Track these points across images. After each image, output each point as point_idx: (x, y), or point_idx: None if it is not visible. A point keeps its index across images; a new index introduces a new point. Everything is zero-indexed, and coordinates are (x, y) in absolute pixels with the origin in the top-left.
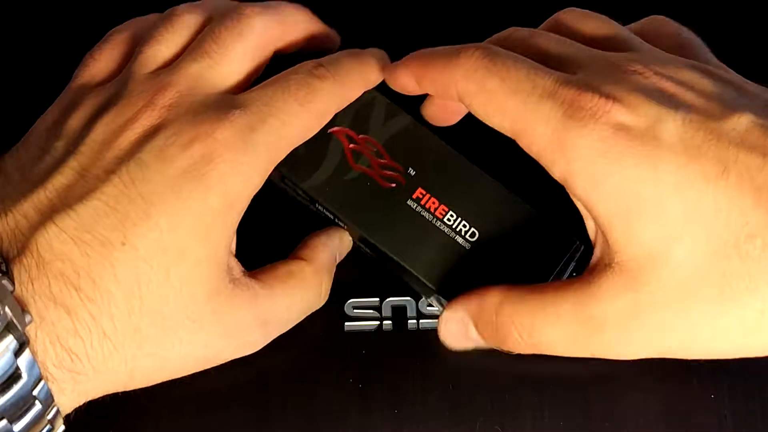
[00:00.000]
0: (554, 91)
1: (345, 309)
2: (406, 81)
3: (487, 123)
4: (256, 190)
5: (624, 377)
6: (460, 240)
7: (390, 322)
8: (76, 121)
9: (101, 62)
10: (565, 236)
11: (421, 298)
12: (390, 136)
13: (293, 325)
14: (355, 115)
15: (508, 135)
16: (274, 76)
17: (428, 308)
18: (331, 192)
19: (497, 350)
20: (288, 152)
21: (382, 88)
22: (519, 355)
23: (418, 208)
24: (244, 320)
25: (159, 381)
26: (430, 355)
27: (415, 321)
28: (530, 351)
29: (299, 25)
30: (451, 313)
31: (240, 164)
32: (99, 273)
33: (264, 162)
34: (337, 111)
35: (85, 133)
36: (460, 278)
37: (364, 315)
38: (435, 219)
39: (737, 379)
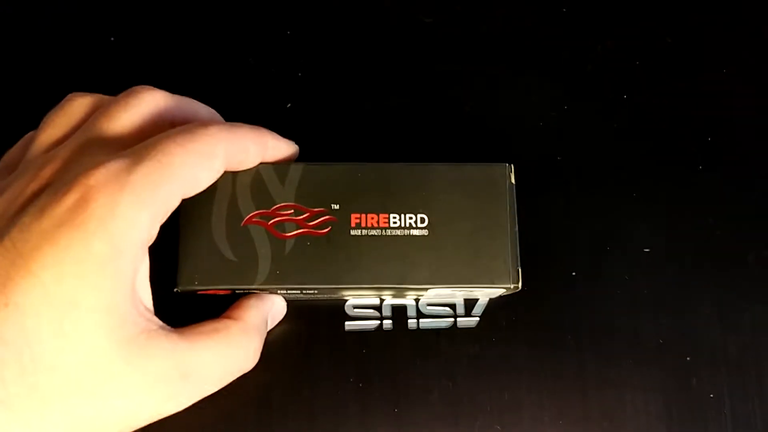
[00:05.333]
0: None
1: (345, 309)
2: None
3: None
4: (149, 236)
5: (624, 377)
6: (416, 232)
7: (390, 321)
8: None
9: (9, 156)
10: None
11: (421, 297)
12: (296, 190)
13: (221, 385)
14: (253, 195)
15: None
16: None
17: (428, 308)
18: (282, 273)
19: (496, 350)
20: (180, 196)
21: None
22: (517, 354)
23: (364, 231)
24: (161, 370)
25: None
26: (430, 354)
27: (415, 321)
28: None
29: (192, 104)
30: None
31: (118, 206)
32: None
33: (147, 203)
34: (228, 155)
35: None
36: (432, 261)
37: (364, 315)
38: (384, 230)
39: (737, 379)
